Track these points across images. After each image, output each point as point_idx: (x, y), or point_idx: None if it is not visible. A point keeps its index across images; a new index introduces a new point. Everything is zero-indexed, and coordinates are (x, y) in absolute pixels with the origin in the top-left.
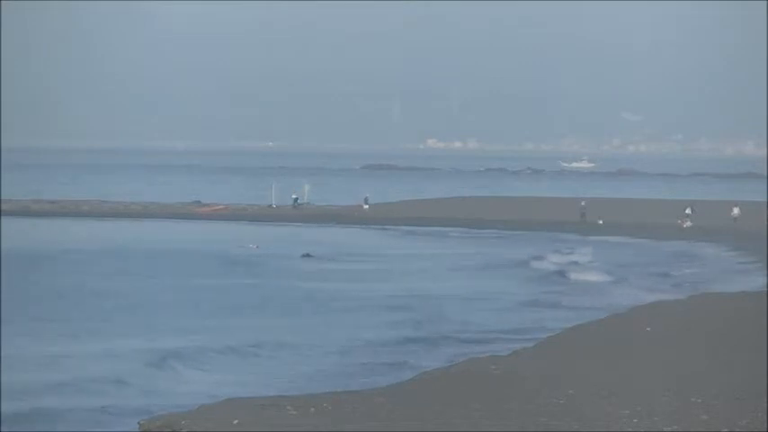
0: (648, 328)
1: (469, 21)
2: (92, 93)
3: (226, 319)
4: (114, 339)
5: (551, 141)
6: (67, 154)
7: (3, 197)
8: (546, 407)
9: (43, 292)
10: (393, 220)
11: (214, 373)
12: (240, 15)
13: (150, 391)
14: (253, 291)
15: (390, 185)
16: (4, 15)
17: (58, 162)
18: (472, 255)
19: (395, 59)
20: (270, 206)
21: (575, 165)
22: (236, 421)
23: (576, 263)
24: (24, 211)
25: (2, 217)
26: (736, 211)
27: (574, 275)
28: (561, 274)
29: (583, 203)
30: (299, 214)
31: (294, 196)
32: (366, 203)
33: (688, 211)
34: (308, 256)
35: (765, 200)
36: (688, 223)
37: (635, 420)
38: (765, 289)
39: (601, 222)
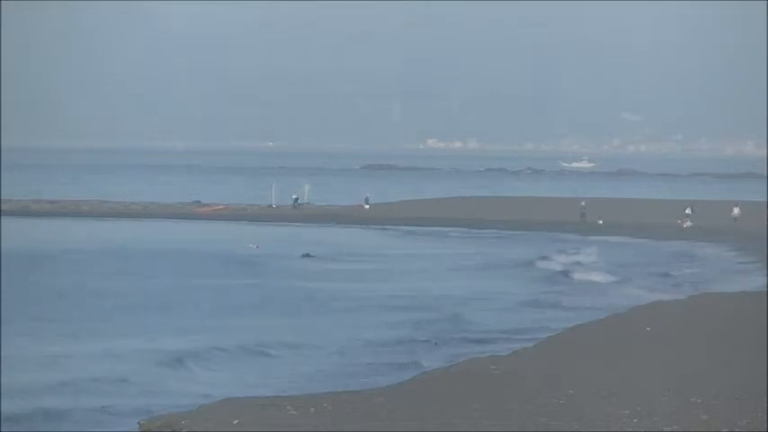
0: (648, 328)
1: (469, 21)
2: (92, 93)
3: (226, 319)
4: (114, 339)
5: (551, 141)
6: (67, 154)
7: (3, 197)
8: (546, 407)
9: (43, 292)
10: (393, 220)
11: (214, 373)
12: (240, 15)
13: (150, 390)
14: (253, 291)
15: (390, 185)
16: (4, 15)
17: (58, 162)
18: (472, 255)
19: (395, 59)
20: (270, 206)
21: (575, 165)
22: (236, 421)
23: (576, 263)
24: (24, 211)
25: (2, 217)
26: (736, 211)
27: (574, 275)
28: (561, 273)
29: (583, 203)
30: (299, 214)
31: (294, 196)
32: (367, 203)
33: (688, 211)
34: (308, 256)
35: (765, 200)
36: (688, 223)
37: (635, 420)
38: (765, 289)
39: (601, 222)
